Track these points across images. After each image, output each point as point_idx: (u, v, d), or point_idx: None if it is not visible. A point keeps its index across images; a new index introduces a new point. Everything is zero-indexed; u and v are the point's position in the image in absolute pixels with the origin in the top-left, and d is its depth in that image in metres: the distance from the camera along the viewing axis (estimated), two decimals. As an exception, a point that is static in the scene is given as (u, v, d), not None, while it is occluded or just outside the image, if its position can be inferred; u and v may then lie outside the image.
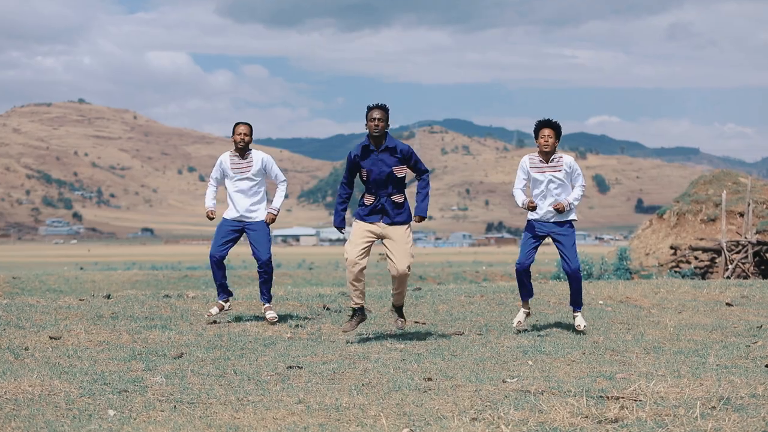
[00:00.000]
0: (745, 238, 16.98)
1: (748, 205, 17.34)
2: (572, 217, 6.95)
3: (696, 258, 19.13)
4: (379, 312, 7.90)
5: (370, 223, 6.43)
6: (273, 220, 7.20)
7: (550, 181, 6.84)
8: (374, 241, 6.49)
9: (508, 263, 44.70)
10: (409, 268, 6.44)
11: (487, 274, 29.20)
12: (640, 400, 4.30)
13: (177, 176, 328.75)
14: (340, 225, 6.62)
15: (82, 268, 37.10)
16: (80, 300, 8.14)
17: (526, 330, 7.13)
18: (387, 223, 6.41)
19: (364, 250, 6.42)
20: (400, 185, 6.46)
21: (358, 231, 6.45)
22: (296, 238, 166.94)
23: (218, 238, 7.26)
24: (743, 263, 16.70)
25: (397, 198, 6.43)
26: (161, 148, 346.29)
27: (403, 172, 6.43)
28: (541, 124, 6.88)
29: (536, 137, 6.90)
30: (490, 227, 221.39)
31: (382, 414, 4.10)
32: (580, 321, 7.01)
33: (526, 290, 7.06)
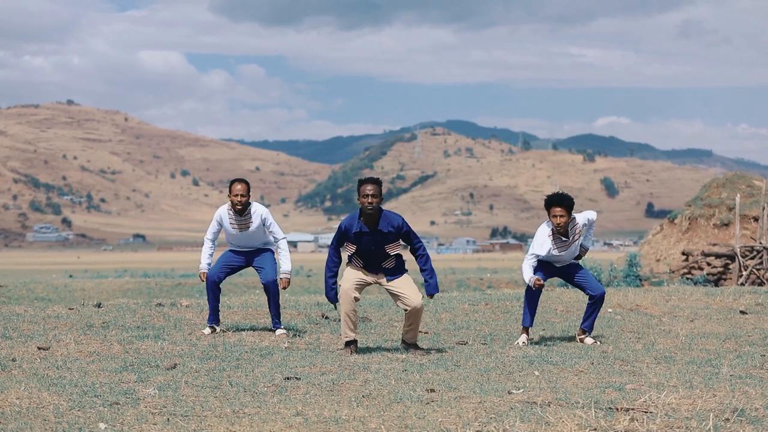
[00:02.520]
0: (760, 243, 16.92)
1: (763, 209, 17.26)
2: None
3: (708, 264, 19.06)
4: (379, 321, 7.82)
5: (360, 268, 6.33)
6: (287, 285, 7.03)
7: (571, 248, 6.71)
8: (370, 283, 6.37)
9: (513, 270, 44.85)
10: (422, 305, 6.29)
11: (491, 281, 29.24)
12: (651, 412, 4.23)
13: (170, 180, 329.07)
14: (334, 300, 6.38)
15: (71, 276, 36.96)
16: (70, 309, 8.02)
17: (532, 339, 7.04)
18: (386, 278, 6.33)
19: (358, 285, 6.31)
20: (392, 258, 6.32)
21: (354, 272, 6.33)
22: (294, 244, 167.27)
23: (220, 262, 7.12)
24: (758, 269, 16.64)
25: (389, 264, 6.31)
26: (153, 151, 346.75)
27: (395, 249, 6.30)
28: (551, 202, 6.61)
29: (548, 213, 6.67)
30: (494, 233, 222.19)
31: (383, 427, 4.02)
32: (590, 340, 6.86)
33: (532, 309, 6.83)
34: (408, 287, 6.28)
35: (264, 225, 7.01)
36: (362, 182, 6.22)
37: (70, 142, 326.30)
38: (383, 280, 6.33)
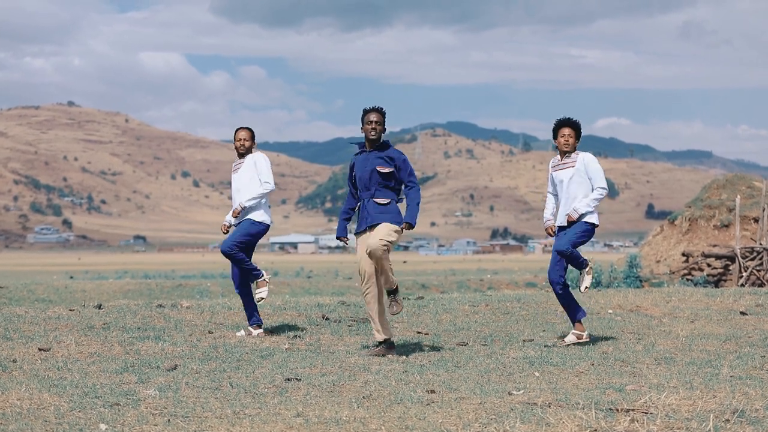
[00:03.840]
0: (760, 244, 16.89)
1: (763, 210, 17.21)
2: (588, 219, 6.69)
3: (709, 265, 19.01)
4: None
5: (360, 233, 6.27)
6: (236, 213, 7.01)
7: (570, 179, 6.66)
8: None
9: (513, 271, 44.82)
10: (383, 245, 6.02)
11: (491, 282, 29.17)
12: (651, 413, 4.22)
13: (170, 182, 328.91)
14: (340, 234, 6.46)
15: (72, 277, 36.95)
16: (70, 310, 8.02)
17: (532, 340, 7.04)
18: (369, 227, 6.18)
19: (371, 262, 6.22)
20: (384, 186, 6.19)
21: (359, 248, 6.29)
22: (294, 245, 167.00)
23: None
24: (758, 270, 16.61)
25: (381, 200, 6.19)
26: (154, 153, 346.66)
27: (387, 169, 6.17)
28: (561, 123, 6.76)
29: (555, 137, 6.79)
30: (495, 234, 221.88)
31: (383, 428, 4.02)
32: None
33: (565, 307, 6.80)
34: (379, 231, 6.11)
35: (256, 167, 7.03)
36: (367, 111, 6.31)
37: (70, 143, 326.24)
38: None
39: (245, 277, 7.09)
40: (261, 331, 7.09)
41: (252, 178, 7.06)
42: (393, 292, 6.32)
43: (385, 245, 6.07)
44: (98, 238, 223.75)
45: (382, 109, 6.32)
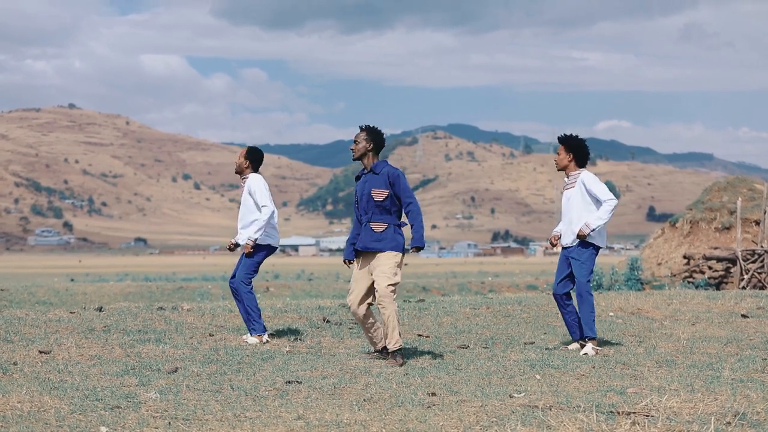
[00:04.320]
0: (761, 246, 16.83)
1: (764, 212, 17.14)
2: (591, 241, 6.57)
3: (710, 268, 18.93)
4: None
5: (358, 257, 6.18)
6: (248, 252, 6.79)
7: (570, 200, 6.61)
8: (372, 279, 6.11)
9: (514, 274, 44.74)
10: (391, 290, 5.89)
11: (493, 285, 29.09)
12: (653, 416, 4.21)
13: (171, 184, 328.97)
14: (348, 258, 6.25)
15: (72, 280, 36.93)
16: (71, 313, 8.01)
17: (533, 343, 7.02)
18: (366, 249, 6.06)
19: (361, 294, 6.08)
20: (381, 211, 6.04)
21: (354, 271, 6.21)
22: (295, 248, 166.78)
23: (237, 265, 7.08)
24: (759, 273, 16.55)
25: (377, 226, 6.03)
26: (155, 155, 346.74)
27: (382, 196, 6.01)
28: (558, 140, 6.73)
29: None
30: (496, 236, 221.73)
31: (384, 430, 4.02)
32: (587, 350, 6.50)
33: (565, 321, 6.73)
34: (384, 266, 5.96)
35: (250, 194, 6.88)
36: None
37: (71, 145, 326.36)
38: (373, 263, 6.06)
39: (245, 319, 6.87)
40: (267, 335, 6.94)
41: (250, 208, 6.88)
42: (395, 352, 6.03)
43: (393, 291, 5.94)
44: (99, 241, 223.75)
45: (368, 127, 6.17)
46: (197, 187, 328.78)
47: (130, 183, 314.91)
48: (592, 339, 6.57)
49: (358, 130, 6.22)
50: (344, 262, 6.28)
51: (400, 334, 6.03)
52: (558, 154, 6.71)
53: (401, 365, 5.91)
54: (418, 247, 6.04)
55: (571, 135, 6.70)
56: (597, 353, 6.43)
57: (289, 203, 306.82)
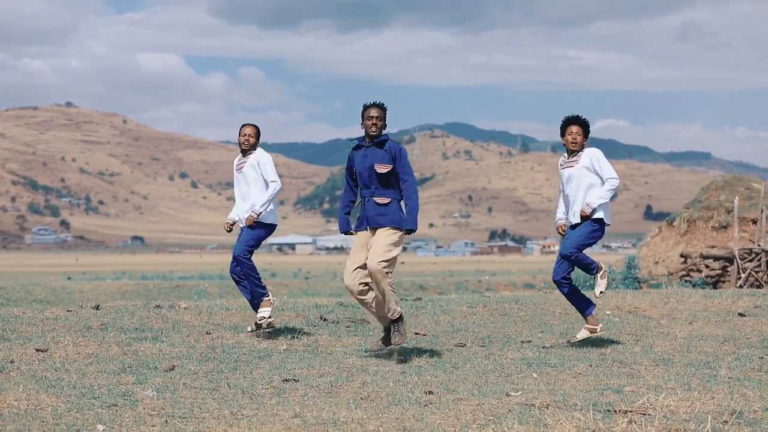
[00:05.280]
0: (759, 245, 16.85)
1: (762, 211, 17.17)
2: (597, 215, 6.54)
3: (707, 266, 18.95)
4: (377, 323, 7.78)
5: (360, 231, 6.15)
6: (252, 222, 6.91)
7: (577, 175, 6.54)
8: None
9: (511, 272, 44.78)
10: (383, 267, 5.85)
11: (490, 283, 29.13)
12: (649, 414, 4.21)
13: (168, 182, 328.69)
14: (344, 229, 6.33)
15: (69, 278, 36.90)
16: (68, 311, 8.00)
17: (530, 341, 7.03)
18: (370, 228, 6.06)
19: (358, 269, 6.07)
20: (384, 184, 6.04)
21: (354, 244, 6.20)
22: (292, 246, 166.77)
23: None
24: (756, 272, 16.56)
25: (381, 199, 6.03)
26: (152, 153, 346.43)
27: (384, 169, 6.01)
28: (569, 121, 6.67)
29: (563, 135, 6.69)
30: (493, 235, 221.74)
31: (381, 429, 4.01)
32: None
33: (571, 302, 6.73)
34: (378, 244, 5.93)
35: (259, 166, 6.96)
36: (367, 106, 6.16)
37: (68, 144, 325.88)
38: (372, 239, 6.04)
39: (251, 290, 6.97)
40: (271, 300, 6.98)
41: (256, 180, 6.97)
42: (396, 321, 6.11)
43: (385, 267, 5.89)
44: (96, 239, 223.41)
45: (383, 104, 6.19)
46: (194, 185, 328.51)
47: (127, 181, 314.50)
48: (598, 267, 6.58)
49: (372, 107, 6.12)
50: (342, 232, 6.29)
51: (397, 303, 6.06)
52: (575, 135, 6.58)
53: (406, 337, 6.04)
54: (410, 230, 6.01)
55: (580, 116, 6.69)
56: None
57: (286, 202, 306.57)
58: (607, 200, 6.55)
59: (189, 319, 7.72)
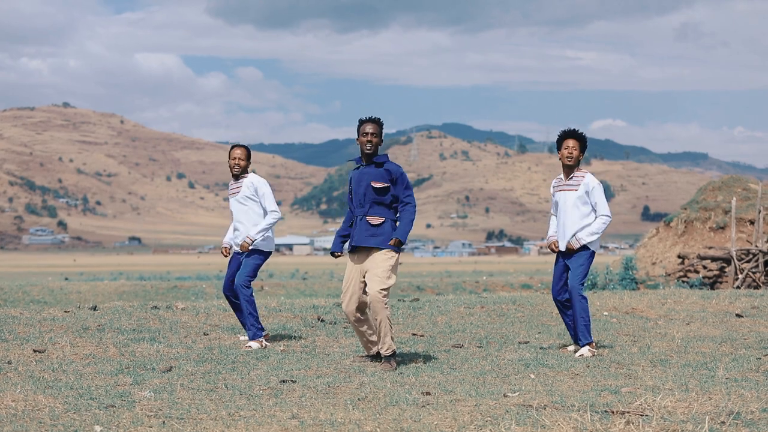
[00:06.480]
0: (756, 246, 16.87)
1: (759, 212, 17.20)
2: (589, 246, 6.46)
3: (704, 267, 18.98)
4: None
5: (352, 254, 5.99)
6: (246, 249, 6.71)
7: (570, 203, 6.41)
8: (364, 280, 5.92)
9: (509, 273, 44.79)
10: (383, 296, 5.70)
11: (487, 284, 29.08)
12: (647, 415, 4.21)
13: (166, 183, 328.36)
14: (335, 250, 6.10)
15: (67, 279, 36.84)
16: (65, 312, 7.99)
17: (528, 342, 7.03)
18: (358, 246, 5.88)
19: (355, 294, 5.88)
20: (379, 205, 5.86)
21: (347, 269, 6.01)
22: (289, 247, 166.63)
23: (227, 270, 6.96)
24: (753, 272, 16.58)
25: (374, 219, 5.84)
26: (149, 154, 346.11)
27: (381, 185, 5.82)
28: (565, 135, 6.51)
29: (559, 149, 6.54)
30: (490, 236, 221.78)
31: (378, 430, 4.01)
32: (584, 351, 6.38)
33: (566, 324, 6.60)
34: (377, 269, 5.76)
35: (257, 194, 6.80)
36: (363, 121, 5.97)
37: (66, 144, 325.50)
38: (366, 260, 5.88)
39: (242, 319, 6.77)
40: (266, 336, 6.83)
41: (252, 208, 6.80)
42: (388, 357, 5.86)
43: (385, 296, 5.75)
44: (93, 240, 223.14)
45: (379, 119, 5.96)
46: (191, 186, 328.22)
47: (124, 182, 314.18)
48: (588, 343, 6.49)
49: (367, 123, 5.94)
50: (331, 254, 6.10)
51: (392, 339, 5.89)
52: (571, 149, 6.44)
53: (395, 369, 5.75)
54: (399, 240, 5.82)
55: (577, 130, 6.55)
56: (594, 355, 6.37)
57: (283, 202, 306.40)
58: (598, 236, 6.50)
59: (186, 319, 7.71)
